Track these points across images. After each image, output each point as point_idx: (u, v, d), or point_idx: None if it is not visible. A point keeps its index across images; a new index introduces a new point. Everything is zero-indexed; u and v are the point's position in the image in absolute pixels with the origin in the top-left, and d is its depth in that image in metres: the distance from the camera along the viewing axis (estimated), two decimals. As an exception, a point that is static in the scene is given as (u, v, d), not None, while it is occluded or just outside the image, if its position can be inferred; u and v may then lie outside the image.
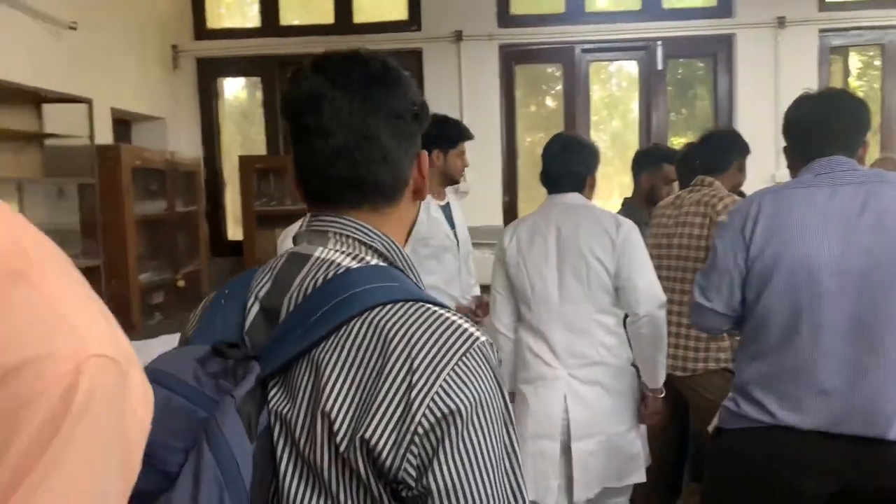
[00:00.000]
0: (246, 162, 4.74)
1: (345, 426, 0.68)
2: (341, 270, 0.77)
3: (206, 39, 5.24)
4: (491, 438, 0.69)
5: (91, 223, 3.54)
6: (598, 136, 5.31)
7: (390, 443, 0.67)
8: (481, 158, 4.88)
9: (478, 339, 0.72)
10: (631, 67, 5.11)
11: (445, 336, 0.71)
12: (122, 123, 4.84)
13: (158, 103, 4.93)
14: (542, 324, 2.09)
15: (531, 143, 5.30)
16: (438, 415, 0.67)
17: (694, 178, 2.43)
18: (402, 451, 0.67)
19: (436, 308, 0.74)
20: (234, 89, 5.67)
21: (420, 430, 0.67)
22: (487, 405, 0.70)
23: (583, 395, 2.04)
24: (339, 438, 0.68)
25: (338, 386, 0.70)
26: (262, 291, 0.81)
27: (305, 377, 0.72)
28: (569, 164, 2.17)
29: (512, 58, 5.01)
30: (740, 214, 1.59)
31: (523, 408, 2.12)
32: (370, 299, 0.73)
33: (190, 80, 5.22)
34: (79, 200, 3.56)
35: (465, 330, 0.72)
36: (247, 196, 4.67)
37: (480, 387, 0.70)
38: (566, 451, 2.05)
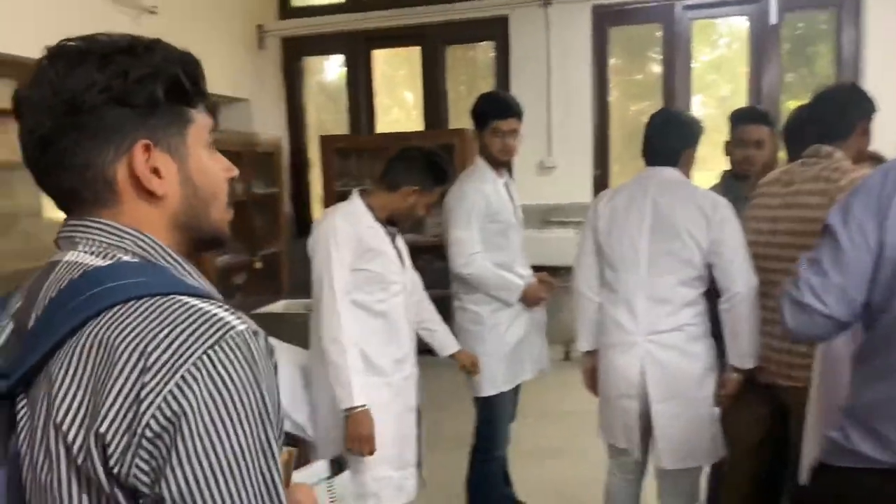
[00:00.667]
0: (327, 142, 4.64)
1: (79, 437, 0.62)
2: (89, 269, 0.69)
3: (291, 18, 5.17)
4: (234, 438, 0.62)
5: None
6: (705, 102, 4.84)
7: (120, 449, 0.60)
8: (569, 132, 4.56)
9: (231, 328, 0.64)
10: (740, 24, 4.59)
11: (190, 329, 0.63)
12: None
13: (243, 85, 4.92)
14: (628, 291, 2.13)
15: (634, 113, 4.91)
16: (169, 415, 0.60)
17: (807, 149, 2.00)
18: (130, 457, 0.60)
19: (188, 300, 0.65)
20: (320, 68, 5.59)
21: (148, 434, 0.60)
22: (230, 402, 0.62)
23: (659, 359, 2.08)
24: (74, 451, 0.62)
25: (69, 394, 0.63)
26: (15, 307, 0.74)
27: (42, 391, 0.65)
28: (667, 139, 2.15)
29: (605, 20, 4.62)
30: (872, 191, 1.23)
31: (605, 369, 2.20)
32: (110, 297, 0.65)
33: (275, 60, 5.19)
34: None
35: (218, 321, 0.64)
36: (328, 176, 4.58)
37: (223, 383, 0.62)
38: (645, 415, 2.11)
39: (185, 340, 0.62)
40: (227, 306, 0.68)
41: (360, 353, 1.95)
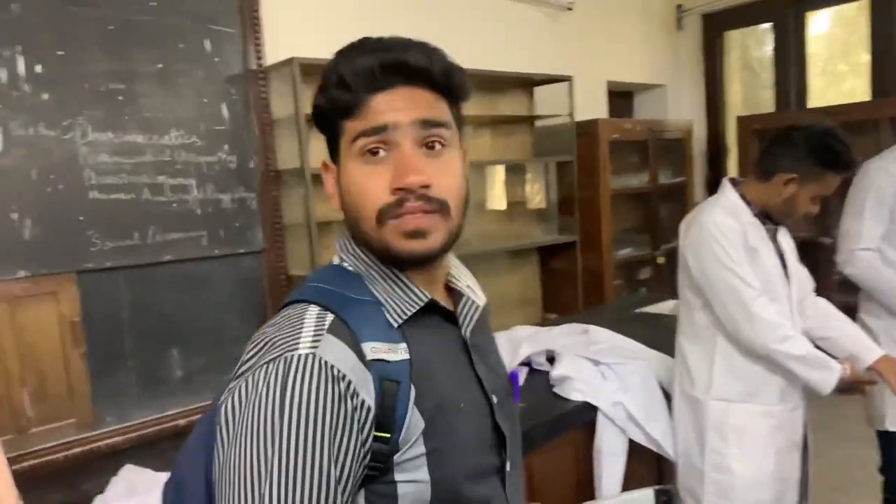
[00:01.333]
0: (744, 122, 4.21)
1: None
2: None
3: (713, -8, 4.82)
4: (237, 450, 0.67)
5: (569, 200, 3.65)
6: None
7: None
8: None
9: (292, 350, 0.70)
10: None
11: (271, 342, 0.72)
12: (624, 96, 4.87)
13: (660, 70, 4.78)
14: None
15: None
16: (221, 414, 0.71)
17: None
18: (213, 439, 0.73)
19: (302, 312, 0.75)
20: (742, 42, 5.09)
21: (218, 423, 0.71)
22: (248, 417, 0.68)
23: None
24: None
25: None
26: None
27: None
28: None
29: None
30: None
31: None
32: (287, 300, 0.80)
33: (694, 39, 4.92)
34: (557, 178, 3.71)
35: (292, 338, 0.72)
36: (744, 162, 4.16)
37: (253, 398, 0.68)
38: None
39: (261, 351, 0.72)
40: (319, 317, 0.75)
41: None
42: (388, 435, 0.72)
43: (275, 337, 0.72)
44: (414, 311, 0.79)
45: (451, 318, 0.84)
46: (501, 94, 3.57)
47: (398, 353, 0.75)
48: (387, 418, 0.72)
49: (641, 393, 2.00)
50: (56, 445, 1.92)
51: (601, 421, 1.95)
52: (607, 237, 3.74)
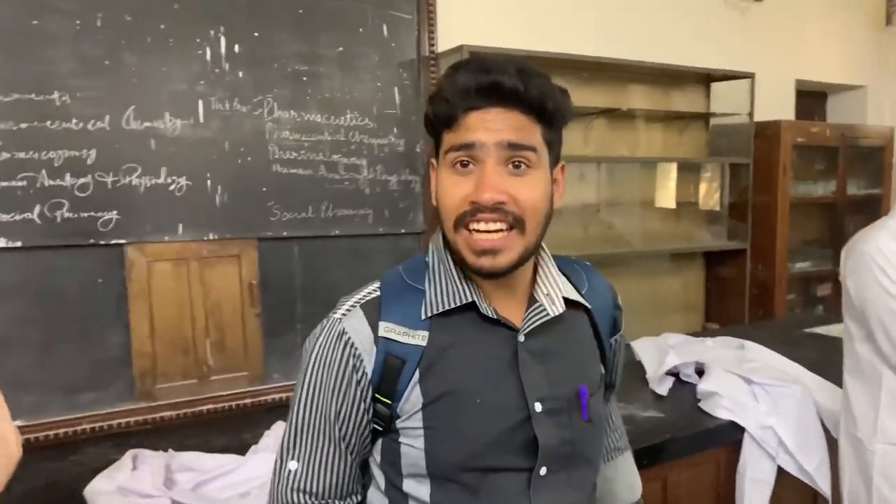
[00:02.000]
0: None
1: None
2: None
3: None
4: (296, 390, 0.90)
5: (741, 204, 3.42)
6: None
7: None
8: None
9: (334, 314, 0.90)
10: None
11: (338, 302, 0.92)
12: (815, 96, 4.48)
13: (860, 70, 4.35)
14: None
15: None
16: None
17: None
18: None
19: (373, 284, 0.93)
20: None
21: None
22: (301, 364, 0.91)
23: None
24: None
25: None
26: None
27: None
28: None
29: None
30: None
31: None
32: None
33: (904, 36, 4.42)
34: (730, 180, 3.48)
35: (342, 303, 0.91)
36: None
37: (305, 343, 0.92)
38: None
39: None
40: (367, 287, 0.92)
41: None
42: (388, 401, 0.86)
43: (341, 299, 0.91)
44: (448, 307, 0.87)
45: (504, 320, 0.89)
46: (677, 88, 3.42)
47: (414, 338, 0.86)
48: (388, 387, 0.86)
49: (796, 420, 1.84)
50: (229, 394, 2.10)
51: (748, 443, 1.82)
52: (782, 247, 3.47)
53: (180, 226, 2.03)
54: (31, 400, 1.86)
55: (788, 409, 1.87)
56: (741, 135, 3.40)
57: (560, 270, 0.98)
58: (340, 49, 2.28)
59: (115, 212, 1.93)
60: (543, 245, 0.95)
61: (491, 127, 0.82)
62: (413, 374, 0.86)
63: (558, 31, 2.96)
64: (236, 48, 2.12)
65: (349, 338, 0.86)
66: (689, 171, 3.54)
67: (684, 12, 3.44)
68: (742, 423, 1.82)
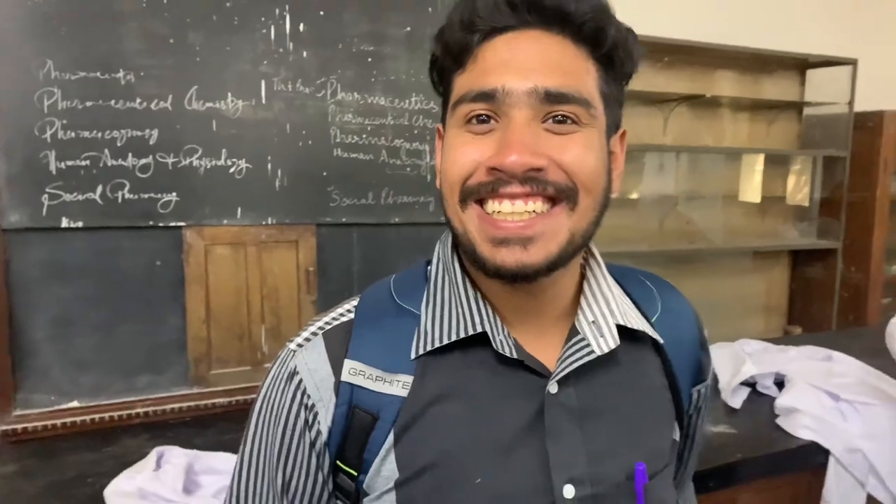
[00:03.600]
0: None
1: None
2: None
3: None
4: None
5: (833, 201, 3.17)
6: None
7: None
8: None
9: (293, 341, 0.67)
10: None
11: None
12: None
13: None
14: None
15: None
16: None
17: None
18: None
19: (347, 300, 0.70)
20: None
21: None
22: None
23: None
24: None
25: None
26: None
27: None
28: None
29: None
30: None
31: None
32: None
33: None
34: (823, 174, 3.23)
35: (307, 326, 0.68)
36: None
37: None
38: None
39: None
40: (335, 310, 0.68)
41: None
42: (353, 472, 0.62)
43: (312, 319, 0.70)
44: (447, 341, 0.61)
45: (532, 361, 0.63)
46: (767, 75, 3.18)
47: (392, 384, 0.61)
48: (353, 453, 0.62)
49: (891, 443, 1.65)
50: (282, 382, 2.07)
51: (833, 468, 1.64)
52: (879, 248, 3.19)
53: (239, 209, 2.00)
54: (90, 381, 1.87)
55: (883, 430, 1.68)
56: (838, 126, 3.14)
57: (620, 285, 0.72)
58: (408, 29, 2.19)
59: (174, 193, 1.91)
60: (593, 246, 0.69)
61: (522, 64, 0.57)
62: (387, 436, 0.60)
63: (636, 10, 2.77)
64: (301, 27, 2.06)
65: (300, 380, 0.63)
66: (777, 163, 3.30)
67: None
68: (827, 446, 1.65)
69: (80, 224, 1.82)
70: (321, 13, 2.07)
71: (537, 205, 0.57)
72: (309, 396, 0.63)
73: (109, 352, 1.89)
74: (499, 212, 0.57)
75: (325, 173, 2.11)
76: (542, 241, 0.57)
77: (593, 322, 0.65)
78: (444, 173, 0.61)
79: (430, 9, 2.22)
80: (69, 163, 1.81)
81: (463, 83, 0.61)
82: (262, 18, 2.00)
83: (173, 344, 1.96)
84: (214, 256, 1.98)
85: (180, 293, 1.95)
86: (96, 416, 1.82)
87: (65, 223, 1.81)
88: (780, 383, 1.92)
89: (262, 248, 2.04)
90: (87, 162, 1.83)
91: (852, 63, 3.07)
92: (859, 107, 3.11)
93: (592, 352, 0.63)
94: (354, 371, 0.62)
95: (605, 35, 0.59)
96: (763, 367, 1.95)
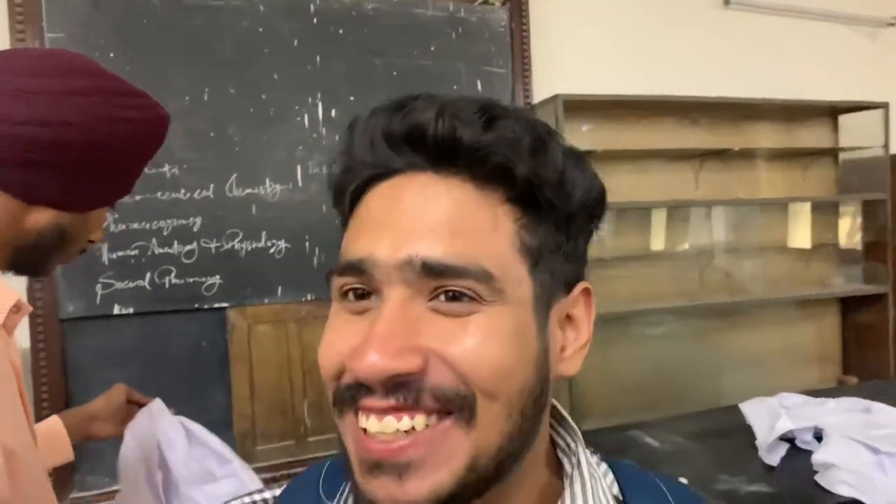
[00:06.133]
0: None
1: None
2: None
3: None
4: None
5: (879, 244, 3.10)
6: None
7: None
8: None
9: None
10: None
11: None
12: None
13: None
14: None
15: None
16: None
17: None
18: None
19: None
20: None
21: None
22: None
23: None
24: None
25: None
26: None
27: None
28: None
29: None
30: None
31: None
32: None
33: None
34: (864, 219, 3.17)
35: None
36: None
37: None
38: None
39: None
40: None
41: None
42: None
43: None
44: None
45: None
46: (799, 123, 3.18)
47: None
48: None
49: None
50: (325, 455, 2.10)
51: (876, 527, 1.58)
52: (931, 291, 3.10)
53: (279, 288, 2.09)
54: (141, 459, 1.94)
55: (929, 484, 1.62)
56: (876, 169, 3.10)
57: (623, 497, 0.52)
58: (434, 107, 2.29)
59: (217, 276, 2.01)
60: (577, 439, 0.52)
61: (398, 225, 0.43)
62: None
63: (662, 72, 2.84)
64: (333, 113, 2.17)
65: None
66: (816, 211, 3.26)
67: (804, 43, 3.21)
68: (867, 502, 1.59)
69: (130, 310, 1.93)
70: (351, 98, 2.19)
71: (416, 420, 0.41)
72: None
73: (160, 432, 1.96)
74: (367, 432, 0.43)
75: (360, 248, 2.19)
76: (426, 468, 0.41)
77: None
78: (319, 359, 0.47)
79: (455, 86, 2.32)
80: (120, 253, 1.93)
81: (342, 246, 0.48)
82: (296, 107, 2.13)
83: (220, 422, 2.02)
84: (257, 334, 2.05)
85: (225, 372, 2.03)
86: (147, 496, 1.88)
87: (116, 310, 1.92)
88: (819, 437, 1.87)
89: (303, 324, 2.11)
90: (136, 251, 1.94)
91: (884, 106, 3.05)
92: (895, 149, 3.07)
93: None
94: None
95: (513, 172, 0.44)
96: (801, 421, 1.90)
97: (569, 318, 0.49)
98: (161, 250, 1.96)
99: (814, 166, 3.23)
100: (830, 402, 2.06)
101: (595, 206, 0.48)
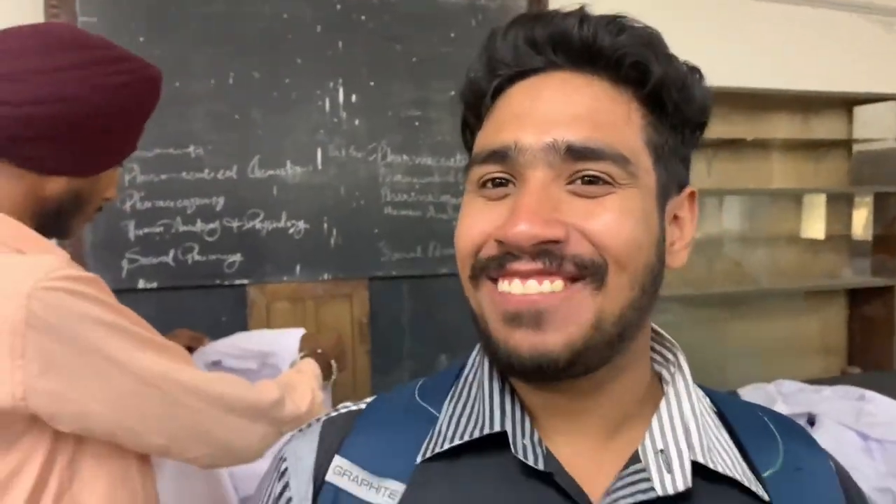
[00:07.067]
0: None
1: None
2: None
3: None
4: None
5: (889, 237, 3.13)
6: None
7: None
8: None
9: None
10: None
11: None
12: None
13: None
14: None
15: None
16: None
17: None
18: None
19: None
20: None
21: None
22: None
23: None
24: None
25: None
26: None
27: None
28: None
29: None
30: None
31: None
32: None
33: None
34: (875, 211, 3.20)
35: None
36: None
37: None
38: None
39: None
40: (348, 411, 0.62)
41: None
42: None
43: None
44: (459, 441, 0.51)
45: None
46: (813, 114, 3.20)
47: (378, 491, 0.50)
48: None
49: None
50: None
51: (858, 508, 1.64)
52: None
53: (298, 267, 2.16)
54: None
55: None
56: (889, 162, 3.12)
57: (721, 417, 0.56)
58: (451, 93, 2.34)
59: (238, 254, 2.09)
60: (680, 355, 0.56)
61: (541, 115, 0.48)
62: None
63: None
64: (353, 98, 2.23)
65: (286, 469, 0.55)
66: (830, 202, 3.28)
67: (819, 33, 3.22)
68: (855, 486, 1.66)
69: (154, 285, 2.01)
70: (371, 84, 2.24)
71: (555, 284, 0.46)
72: (289, 488, 0.54)
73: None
74: (509, 293, 0.48)
75: (376, 230, 2.26)
76: (559, 321, 0.46)
77: (661, 451, 0.50)
78: (455, 245, 0.52)
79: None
80: (146, 230, 2.01)
81: (479, 141, 0.52)
82: (318, 92, 2.18)
83: (239, 394, 2.11)
84: (275, 311, 2.13)
85: (245, 346, 2.11)
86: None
87: (141, 284, 2.00)
88: (812, 423, 1.92)
89: (319, 303, 2.19)
90: (161, 228, 2.02)
91: (894, 98, 3.06)
92: (909, 143, 3.10)
93: (652, 489, 0.48)
94: (340, 470, 0.53)
95: (649, 73, 0.50)
96: (796, 407, 1.97)
97: (676, 217, 0.54)
98: (185, 228, 2.04)
99: (827, 158, 3.25)
100: (826, 390, 2.12)
101: (706, 116, 0.54)
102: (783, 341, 3.17)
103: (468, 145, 0.57)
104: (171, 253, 2.03)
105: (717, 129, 2.97)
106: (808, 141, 3.14)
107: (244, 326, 2.10)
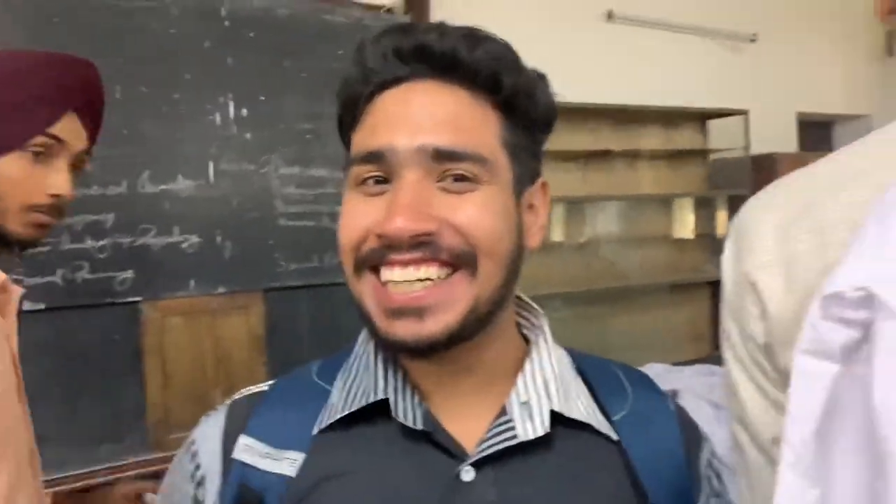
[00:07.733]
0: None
1: None
2: None
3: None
4: None
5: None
6: None
7: None
8: None
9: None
10: None
11: None
12: (822, 126, 4.54)
13: (863, 99, 4.41)
14: None
15: None
16: None
17: None
18: None
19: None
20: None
21: None
22: None
23: None
24: None
25: None
26: None
27: None
28: None
29: None
30: None
31: None
32: None
33: (904, 64, 4.48)
34: (728, 212, 3.56)
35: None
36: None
37: None
38: None
39: None
40: (252, 392, 0.66)
41: None
42: None
43: None
44: (349, 411, 0.58)
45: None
46: (673, 127, 3.52)
47: (280, 462, 0.57)
48: None
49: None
50: (239, 440, 2.20)
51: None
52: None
53: (192, 281, 2.16)
54: (52, 455, 1.96)
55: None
56: (740, 168, 3.49)
57: (580, 371, 0.64)
58: (341, 107, 2.41)
59: (130, 271, 2.06)
60: (544, 320, 0.64)
61: (411, 120, 0.55)
62: None
63: (550, 81, 3.07)
64: (244, 112, 2.26)
65: (196, 451, 0.62)
66: (695, 205, 3.63)
67: (678, 55, 3.55)
68: (706, 450, 1.92)
69: (41, 306, 1.95)
70: (262, 98, 2.28)
71: (430, 271, 0.53)
72: (199, 468, 0.60)
73: (73, 425, 1.99)
74: (392, 281, 0.54)
75: (270, 242, 2.29)
76: (439, 311, 0.53)
77: (524, 403, 0.58)
78: (338, 240, 0.58)
79: (360, 88, 2.45)
80: (30, 249, 1.94)
81: (356, 141, 0.58)
82: (208, 106, 2.19)
83: (133, 412, 2.07)
84: (170, 327, 2.12)
85: (138, 364, 2.08)
86: (58, 489, 1.91)
87: (27, 306, 1.93)
88: (675, 398, 2.20)
89: (215, 316, 2.19)
90: (48, 247, 1.96)
91: (744, 113, 3.43)
92: (761, 149, 3.47)
93: (515, 436, 0.56)
94: (246, 447, 0.59)
95: (501, 83, 0.56)
96: (662, 385, 2.22)
97: (531, 206, 0.62)
98: (73, 246, 1.99)
99: (687, 166, 3.59)
100: (687, 370, 2.44)
101: (552, 116, 0.62)
102: (657, 332, 3.46)
103: (345, 141, 0.63)
104: (59, 272, 1.98)
105: (589, 141, 3.22)
106: (670, 151, 3.45)
107: (138, 343, 2.07)
